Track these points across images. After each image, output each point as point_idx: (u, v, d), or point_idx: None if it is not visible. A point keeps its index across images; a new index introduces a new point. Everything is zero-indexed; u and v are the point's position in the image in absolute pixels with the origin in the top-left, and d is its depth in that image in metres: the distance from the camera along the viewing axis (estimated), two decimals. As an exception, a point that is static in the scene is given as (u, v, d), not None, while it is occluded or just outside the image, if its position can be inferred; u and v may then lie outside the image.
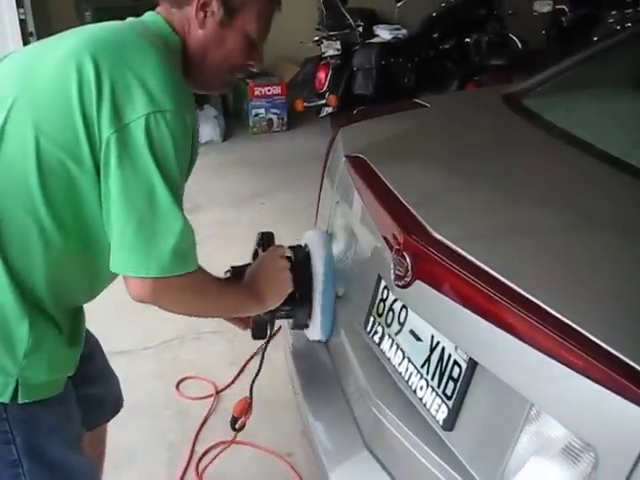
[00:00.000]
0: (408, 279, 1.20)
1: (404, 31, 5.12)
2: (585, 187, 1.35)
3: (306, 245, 1.56)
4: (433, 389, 1.20)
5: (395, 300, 1.34)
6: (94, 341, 1.52)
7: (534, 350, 0.94)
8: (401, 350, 1.31)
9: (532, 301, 0.98)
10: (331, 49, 4.71)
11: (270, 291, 1.33)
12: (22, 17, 4.61)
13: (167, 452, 2.22)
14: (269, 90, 5.39)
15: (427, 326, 1.22)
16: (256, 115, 5.42)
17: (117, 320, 2.66)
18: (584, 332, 0.90)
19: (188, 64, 1.22)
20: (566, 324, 0.92)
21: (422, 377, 1.24)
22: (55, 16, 5.16)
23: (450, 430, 1.14)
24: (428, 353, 1.23)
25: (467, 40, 5.04)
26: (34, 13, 4.69)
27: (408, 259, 1.20)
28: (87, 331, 1.37)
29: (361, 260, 1.55)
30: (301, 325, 1.60)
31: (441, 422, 1.16)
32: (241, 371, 2.55)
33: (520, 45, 5.10)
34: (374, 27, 5.13)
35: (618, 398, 0.83)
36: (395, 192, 1.36)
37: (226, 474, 2.11)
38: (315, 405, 1.54)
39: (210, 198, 4.10)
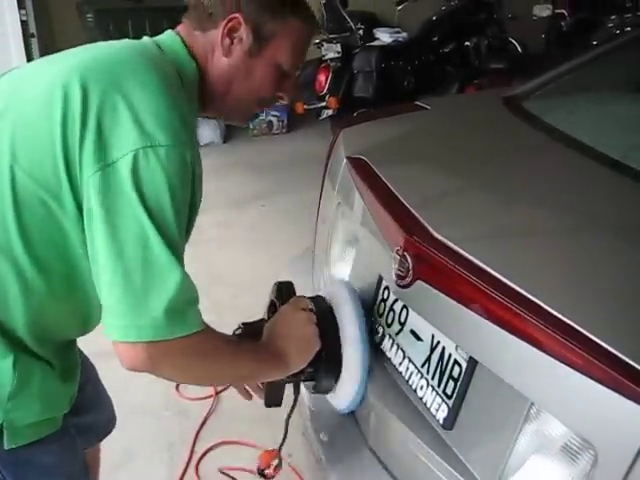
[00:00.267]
0: (409, 279, 1.20)
1: (404, 34, 5.15)
2: (585, 189, 1.35)
3: (324, 297, 1.38)
4: (433, 388, 1.21)
5: (396, 300, 1.35)
6: (88, 366, 1.38)
7: (534, 349, 0.95)
8: (401, 350, 1.32)
9: (532, 301, 0.98)
10: (331, 52, 4.72)
11: (295, 350, 1.15)
12: (24, 18, 4.63)
13: (167, 452, 2.22)
14: (269, 92, 5.41)
15: (427, 326, 1.23)
16: (256, 117, 5.43)
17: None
18: (584, 331, 0.90)
19: (208, 95, 1.09)
20: (566, 324, 0.93)
21: (422, 376, 1.24)
22: (56, 17, 5.18)
23: (450, 429, 1.15)
24: (428, 353, 1.24)
25: (467, 44, 5.06)
26: (36, 14, 4.71)
27: (409, 259, 1.20)
28: (80, 353, 1.26)
29: (362, 260, 1.56)
30: (326, 390, 1.35)
31: (441, 421, 1.17)
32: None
33: (520, 49, 5.11)
34: (374, 30, 5.16)
35: (617, 396, 0.84)
36: (396, 193, 1.37)
37: (226, 474, 2.11)
38: (315, 405, 1.54)
39: (210, 200, 4.04)
